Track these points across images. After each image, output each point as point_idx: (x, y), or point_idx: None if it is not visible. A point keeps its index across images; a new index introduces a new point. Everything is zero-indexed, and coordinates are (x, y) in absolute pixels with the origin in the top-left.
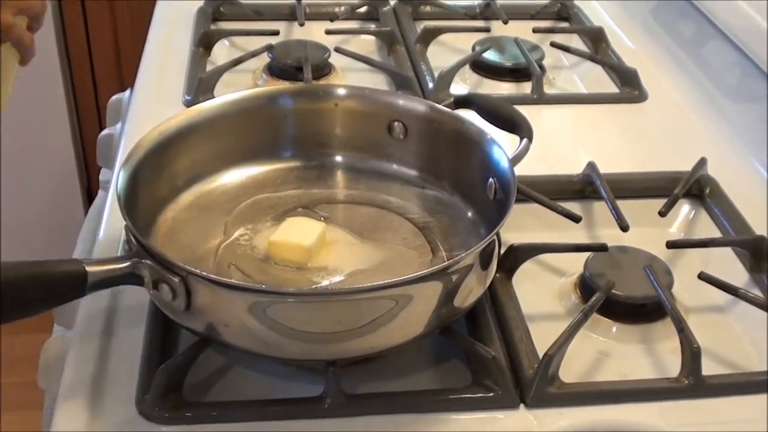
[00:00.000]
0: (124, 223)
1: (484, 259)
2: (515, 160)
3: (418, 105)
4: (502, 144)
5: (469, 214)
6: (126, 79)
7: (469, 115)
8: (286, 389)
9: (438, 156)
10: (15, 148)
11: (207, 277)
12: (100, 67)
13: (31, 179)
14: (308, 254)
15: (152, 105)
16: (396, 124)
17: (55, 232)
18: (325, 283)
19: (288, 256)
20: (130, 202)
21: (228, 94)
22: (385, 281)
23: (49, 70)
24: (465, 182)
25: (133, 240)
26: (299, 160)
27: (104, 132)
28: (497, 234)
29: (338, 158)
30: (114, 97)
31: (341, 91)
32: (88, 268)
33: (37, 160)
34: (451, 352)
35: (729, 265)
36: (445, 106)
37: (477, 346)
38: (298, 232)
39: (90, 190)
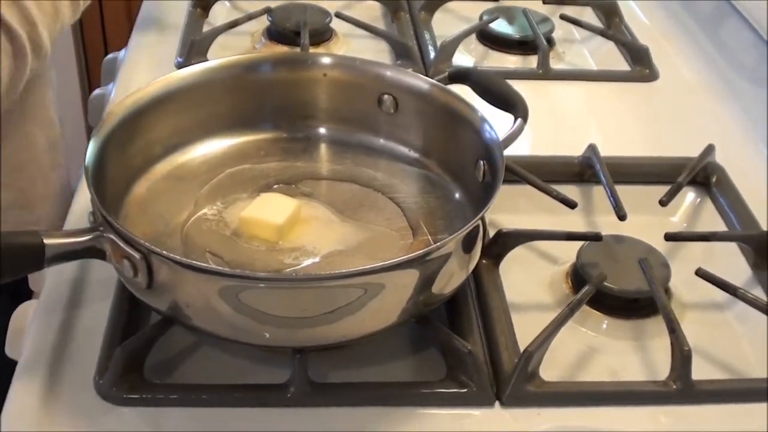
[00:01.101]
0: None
1: (467, 245)
2: (507, 142)
3: (409, 78)
4: (496, 124)
5: (457, 195)
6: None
7: (464, 91)
8: (254, 374)
9: (428, 133)
10: None
11: (168, 257)
12: (111, 25)
13: None
14: (279, 233)
15: (144, 66)
16: (386, 97)
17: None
18: (301, 263)
19: (258, 233)
20: (99, 173)
21: (213, 59)
22: (356, 269)
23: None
24: (454, 162)
25: (97, 213)
26: (284, 131)
27: (95, 92)
28: (482, 218)
29: (324, 131)
30: (109, 56)
31: (329, 61)
32: (46, 240)
33: None
34: (429, 340)
35: (731, 260)
36: (438, 80)
37: (453, 338)
38: (271, 210)
39: None
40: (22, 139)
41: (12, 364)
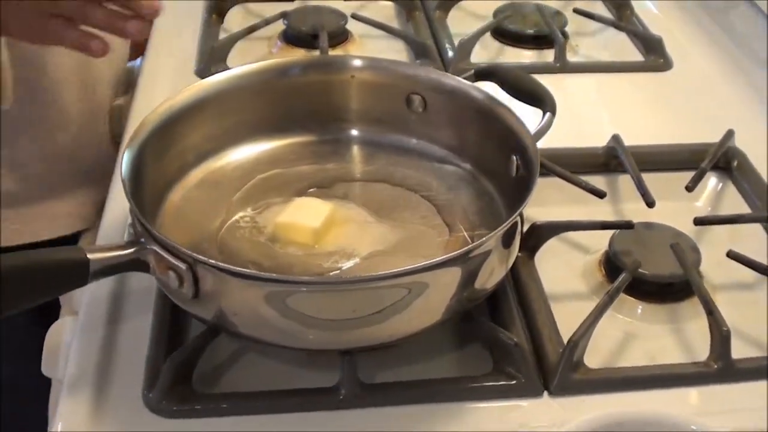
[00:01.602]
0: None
1: (506, 240)
2: (538, 136)
3: (438, 77)
4: (525, 118)
5: (490, 190)
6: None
7: (491, 88)
8: (300, 378)
9: (458, 130)
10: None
11: (215, 265)
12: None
13: None
14: (316, 236)
15: (163, 76)
16: (415, 96)
17: None
18: (342, 266)
19: (295, 237)
20: (135, 184)
21: (239, 66)
22: (402, 269)
23: None
24: (486, 158)
25: (138, 224)
26: (314, 135)
27: (115, 102)
28: (520, 214)
29: (355, 132)
30: (126, 66)
31: (357, 63)
32: (90, 256)
33: None
34: (473, 335)
35: (758, 241)
36: (465, 78)
37: (498, 331)
38: (306, 214)
39: None
40: None
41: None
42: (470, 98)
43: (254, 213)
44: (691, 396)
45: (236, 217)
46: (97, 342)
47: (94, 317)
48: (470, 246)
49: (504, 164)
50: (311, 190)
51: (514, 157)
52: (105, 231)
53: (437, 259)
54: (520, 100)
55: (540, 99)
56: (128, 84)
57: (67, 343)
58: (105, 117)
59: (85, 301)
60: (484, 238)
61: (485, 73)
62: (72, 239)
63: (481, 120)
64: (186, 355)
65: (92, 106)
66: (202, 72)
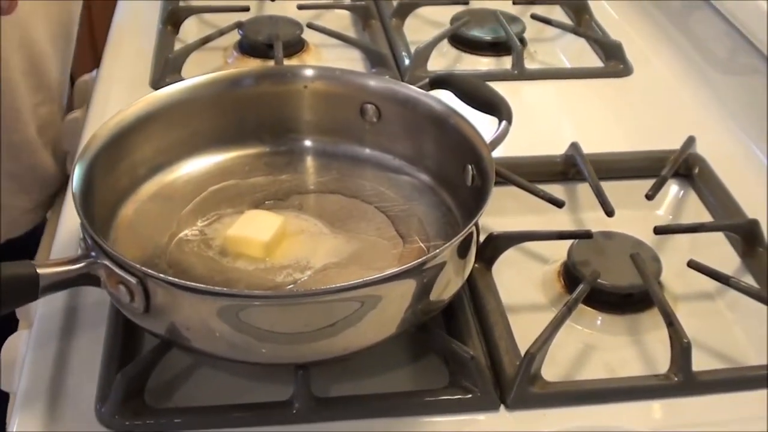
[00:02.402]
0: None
1: (462, 251)
2: (493, 145)
3: (391, 86)
4: (481, 127)
5: (446, 201)
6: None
7: (446, 96)
8: (254, 392)
9: (413, 140)
10: None
11: (166, 280)
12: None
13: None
14: (266, 249)
15: (118, 87)
16: (368, 106)
17: None
18: (296, 279)
19: (245, 251)
20: (86, 198)
21: (191, 77)
22: (354, 282)
23: None
24: (441, 167)
25: (88, 238)
26: (268, 146)
27: (70, 115)
28: (476, 224)
29: (308, 143)
30: (82, 78)
31: (310, 73)
32: (40, 271)
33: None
34: (429, 348)
35: (719, 250)
36: (420, 86)
37: (454, 344)
38: (256, 227)
39: None
40: None
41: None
42: (425, 107)
43: (204, 226)
44: (652, 409)
45: (186, 231)
46: (50, 356)
47: (47, 331)
48: (424, 258)
49: (460, 174)
50: (268, 202)
51: (470, 167)
52: (59, 245)
53: (390, 271)
54: (475, 108)
55: (495, 107)
56: (84, 96)
57: (23, 357)
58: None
59: (39, 315)
60: (438, 250)
61: (440, 82)
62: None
63: (436, 129)
64: (138, 369)
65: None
66: (157, 83)
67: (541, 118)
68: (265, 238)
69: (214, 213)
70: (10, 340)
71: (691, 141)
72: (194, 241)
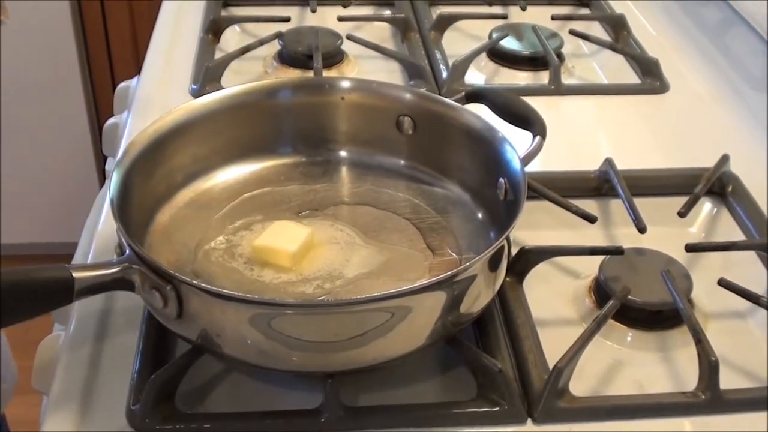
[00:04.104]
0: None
1: (493, 264)
2: (527, 160)
3: (427, 100)
4: (515, 141)
5: (479, 214)
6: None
7: (481, 111)
8: (283, 399)
9: (447, 153)
10: (32, 135)
11: (199, 286)
12: (117, 48)
13: (48, 165)
14: (292, 260)
15: (158, 94)
16: (404, 119)
17: (73, 218)
18: (326, 288)
19: (271, 260)
20: (123, 203)
21: (229, 87)
22: (385, 293)
23: (65, 53)
24: (475, 181)
25: (124, 244)
26: (303, 156)
27: (110, 121)
28: (507, 237)
29: (344, 154)
30: (122, 84)
31: (347, 84)
32: (75, 274)
33: (54, 146)
34: (459, 359)
35: (751, 268)
36: (455, 100)
37: (483, 357)
38: (283, 237)
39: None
40: None
41: None
42: (460, 121)
43: (232, 234)
44: (679, 426)
45: (216, 237)
46: (84, 358)
47: (82, 333)
48: (455, 270)
49: (493, 188)
50: (302, 213)
51: (503, 181)
52: (97, 250)
53: (421, 283)
54: (510, 122)
55: (530, 122)
56: (123, 102)
57: (58, 358)
58: None
59: (74, 317)
60: (469, 263)
61: (475, 96)
62: None
63: (470, 143)
64: (170, 374)
65: None
66: (197, 92)
67: (577, 134)
68: (292, 248)
69: (245, 220)
70: (46, 341)
71: (725, 159)
72: (220, 249)
